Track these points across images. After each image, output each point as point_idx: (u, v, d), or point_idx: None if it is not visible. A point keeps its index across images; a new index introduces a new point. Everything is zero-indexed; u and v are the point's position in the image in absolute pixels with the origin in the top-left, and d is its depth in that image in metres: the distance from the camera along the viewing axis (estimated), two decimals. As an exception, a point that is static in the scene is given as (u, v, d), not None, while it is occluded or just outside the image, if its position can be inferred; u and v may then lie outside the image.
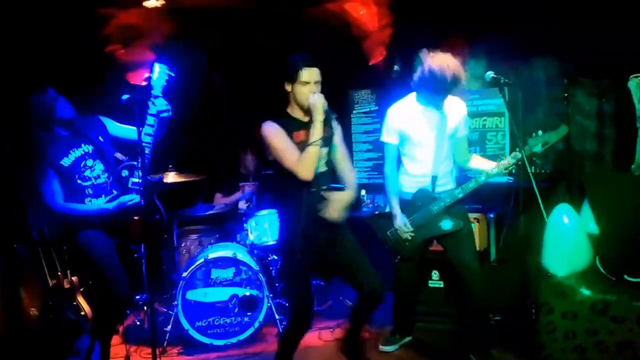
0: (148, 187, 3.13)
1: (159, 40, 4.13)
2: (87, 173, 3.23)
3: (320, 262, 2.96)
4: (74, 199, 3.20)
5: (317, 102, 2.74)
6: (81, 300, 3.89)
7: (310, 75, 2.76)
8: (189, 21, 4.31)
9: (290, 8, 4.35)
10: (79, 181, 3.20)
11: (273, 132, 2.78)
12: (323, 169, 2.90)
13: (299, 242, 2.75)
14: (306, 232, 2.75)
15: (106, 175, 3.27)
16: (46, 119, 3.13)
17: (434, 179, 3.31)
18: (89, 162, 3.24)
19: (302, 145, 2.76)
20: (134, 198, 3.14)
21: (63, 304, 3.68)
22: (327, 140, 2.84)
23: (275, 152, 2.77)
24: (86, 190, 3.22)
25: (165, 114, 3.18)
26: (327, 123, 2.81)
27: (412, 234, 3.35)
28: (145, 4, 4.31)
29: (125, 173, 3.21)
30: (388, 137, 3.38)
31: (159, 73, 3.21)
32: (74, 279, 3.91)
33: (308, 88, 2.77)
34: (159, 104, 3.18)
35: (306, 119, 2.84)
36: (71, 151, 3.20)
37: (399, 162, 3.45)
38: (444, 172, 3.35)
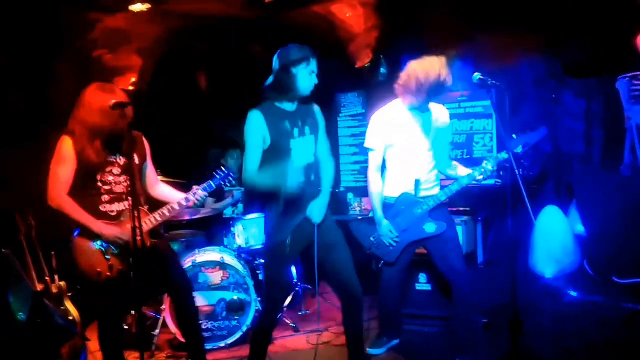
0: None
1: (146, 44, 4.12)
2: None
3: None
4: None
5: None
6: (69, 305, 3.87)
7: None
8: (175, 25, 4.29)
9: (277, 11, 4.33)
10: None
11: None
12: None
13: None
14: None
15: None
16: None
17: (418, 183, 3.30)
18: None
19: None
20: None
21: (51, 308, 3.65)
22: None
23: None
24: None
25: None
26: None
27: (397, 239, 3.33)
28: (131, 8, 4.29)
29: None
30: (372, 142, 3.36)
31: None
32: (62, 283, 3.89)
33: None
34: None
35: None
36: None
37: (382, 166, 3.42)
38: (428, 177, 3.34)
